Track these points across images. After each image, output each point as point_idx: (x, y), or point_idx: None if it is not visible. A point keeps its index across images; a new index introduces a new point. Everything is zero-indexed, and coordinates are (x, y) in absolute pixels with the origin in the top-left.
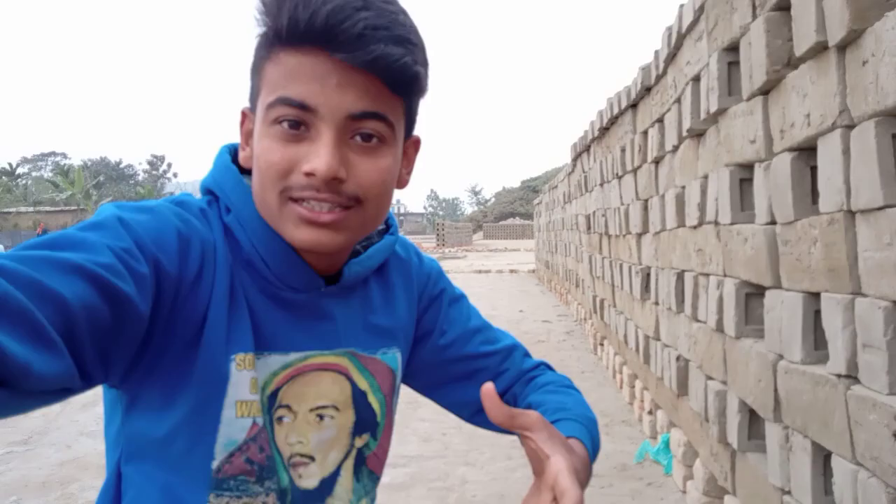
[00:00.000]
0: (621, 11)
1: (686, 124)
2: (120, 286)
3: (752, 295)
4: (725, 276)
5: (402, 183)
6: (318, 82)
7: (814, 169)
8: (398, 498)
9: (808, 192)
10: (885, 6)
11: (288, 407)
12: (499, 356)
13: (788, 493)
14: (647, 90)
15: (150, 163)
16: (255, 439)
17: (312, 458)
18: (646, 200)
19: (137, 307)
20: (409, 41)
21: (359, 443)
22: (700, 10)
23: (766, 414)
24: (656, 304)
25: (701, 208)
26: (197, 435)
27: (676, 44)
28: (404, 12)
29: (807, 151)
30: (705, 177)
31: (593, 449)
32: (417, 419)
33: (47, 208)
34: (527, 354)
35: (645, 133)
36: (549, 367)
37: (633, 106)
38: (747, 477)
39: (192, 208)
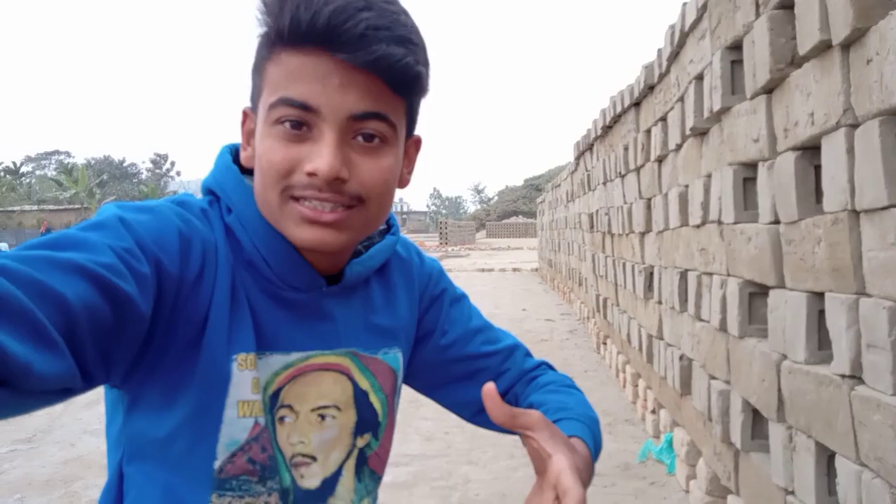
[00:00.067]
0: (625, 10)
1: (689, 123)
2: (121, 286)
3: (756, 294)
4: (729, 275)
5: (403, 182)
6: (319, 83)
7: (818, 168)
8: (401, 497)
9: (811, 192)
10: (890, 4)
11: (290, 407)
12: (500, 356)
13: (792, 493)
14: (651, 89)
15: (153, 161)
16: (257, 439)
17: (314, 458)
18: (649, 199)
19: (139, 307)
20: (411, 41)
21: (360, 443)
22: (703, 9)
23: (770, 414)
24: (659, 303)
25: (704, 207)
26: (199, 435)
27: (679, 42)
28: (406, 12)
29: (811, 150)
30: (708, 176)
31: (595, 448)
32: (420, 418)
33: (51, 207)
34: (528, 354)
35: (648, 132)
36: (551, 367)
37: (637, 104)
38: (750, 477)
39: (194, 208)
